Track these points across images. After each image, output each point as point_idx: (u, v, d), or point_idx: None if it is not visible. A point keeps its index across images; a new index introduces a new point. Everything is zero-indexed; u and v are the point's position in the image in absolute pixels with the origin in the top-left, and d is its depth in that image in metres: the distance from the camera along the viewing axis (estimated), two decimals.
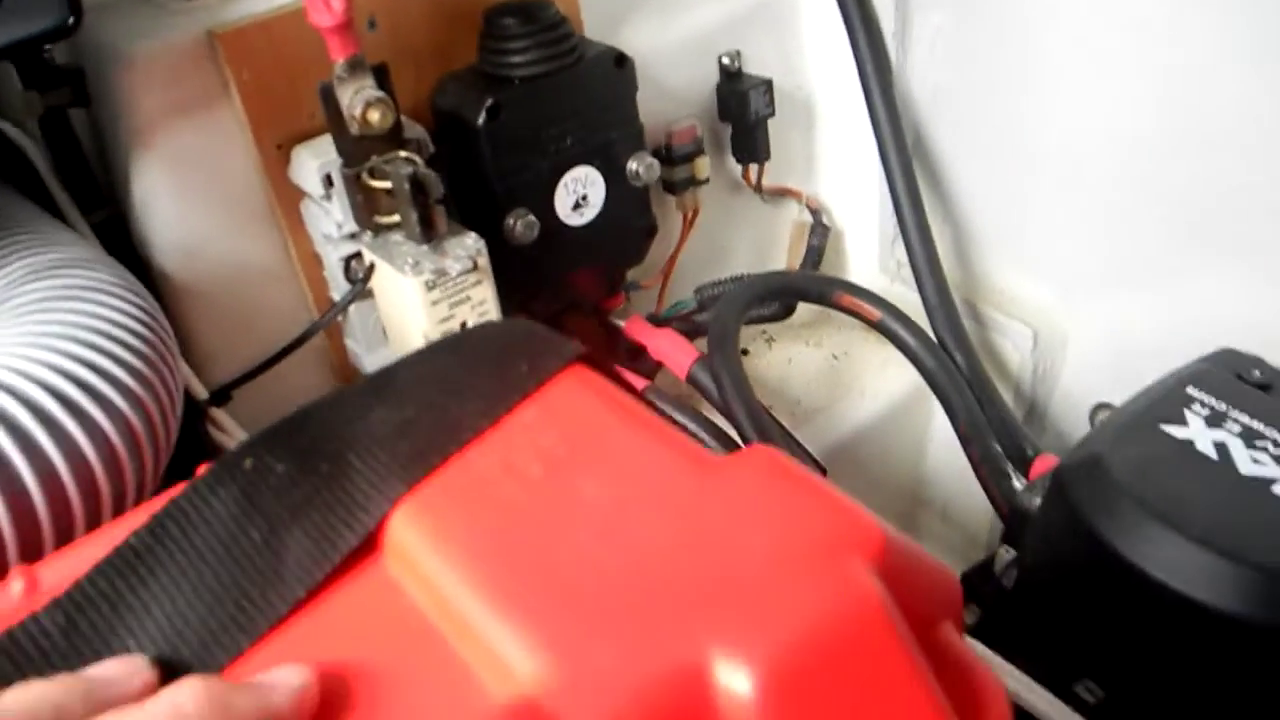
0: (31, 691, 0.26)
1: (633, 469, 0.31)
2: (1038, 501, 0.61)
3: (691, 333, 0.74)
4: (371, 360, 0.66)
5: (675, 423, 0.49)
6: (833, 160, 0.91)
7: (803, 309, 0.89)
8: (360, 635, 0.29)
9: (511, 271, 0.63)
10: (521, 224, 0.64)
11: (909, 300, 0.78)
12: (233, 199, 0.63)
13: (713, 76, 0.81)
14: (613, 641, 0.26)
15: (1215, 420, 0.59)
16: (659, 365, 0.72)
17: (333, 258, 0.63)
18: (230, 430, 0.59)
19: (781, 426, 0.71)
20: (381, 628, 0.29)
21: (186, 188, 0.61)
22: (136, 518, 0.32)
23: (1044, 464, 0.67)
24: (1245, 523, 0.52)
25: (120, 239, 0.62)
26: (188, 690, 0.26)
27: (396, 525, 0.31)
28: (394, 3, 0.63)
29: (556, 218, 0.67)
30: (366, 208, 0.59)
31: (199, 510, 0.32)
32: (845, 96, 0.82)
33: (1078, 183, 0.75)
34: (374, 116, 0.56)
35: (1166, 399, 0.61)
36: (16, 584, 0.32)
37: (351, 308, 0.63)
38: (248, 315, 0.65)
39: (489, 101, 0.62)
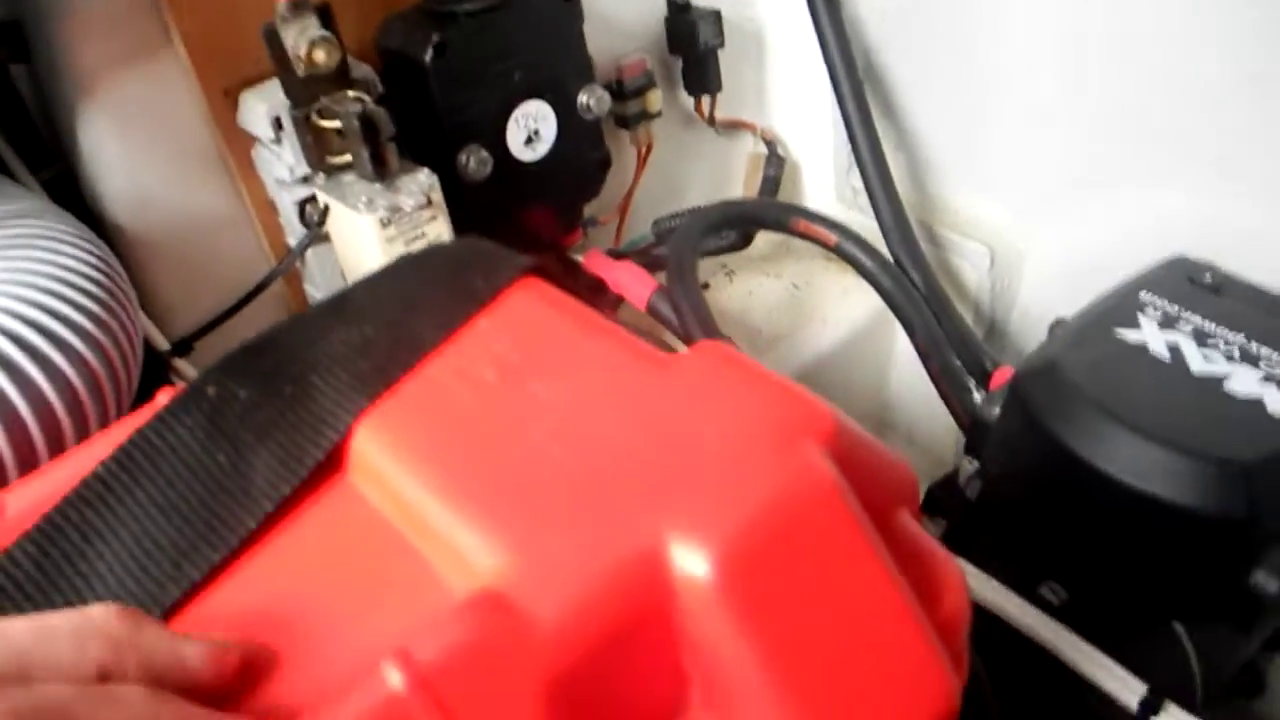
0: None
1: (585, 369, 0.32)
2: (997, 411, 0.62)
3: (651, 266, 0.75)
4: None
5: None
6: (785, 91, 0.91)
7: (762, 242, 0.90)
8: (327, 545, 0.30)
9: (467, 209, 0.63)
10: (474, 160, 0.64)
11: (867, 227, 0.78)
12: (182, 148, 0.62)
13: (660, 9, 0.81)
14: (569, 531, 0.26)
15: (1168, 323, 0.60)
16: (620, 300, 0.72)
17: (287, 203, 0.63)
18: None
19: None
20: (347, 537, 0.30)
21: (134, 139, 0.61)
22: (99, 444, 0.32)
23: (1002, 375, 0.68)
24: (1198, 419, 0.54)
25: (70, 196, 0.61)
26: (101, 608, 0.26)
27: (359, 440, 0.32)
28: None
29: (509, 153, 0.67)
30: (317, 149, 0.59)
31: (165, 439, 0.32)
32: (795, 26, 0.82)
33: (1029, 101, 0.75)
34: (319, 56, 0.55)
35: (1120, 304, 0.62)
36: None
37: (309, 253, 0.63)
38: (205, 265, 0.64)
39: (435, 39, 0.61)
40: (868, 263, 0.72)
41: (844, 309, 0.86)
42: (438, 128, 0.64)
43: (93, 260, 0.48)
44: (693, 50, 0.80)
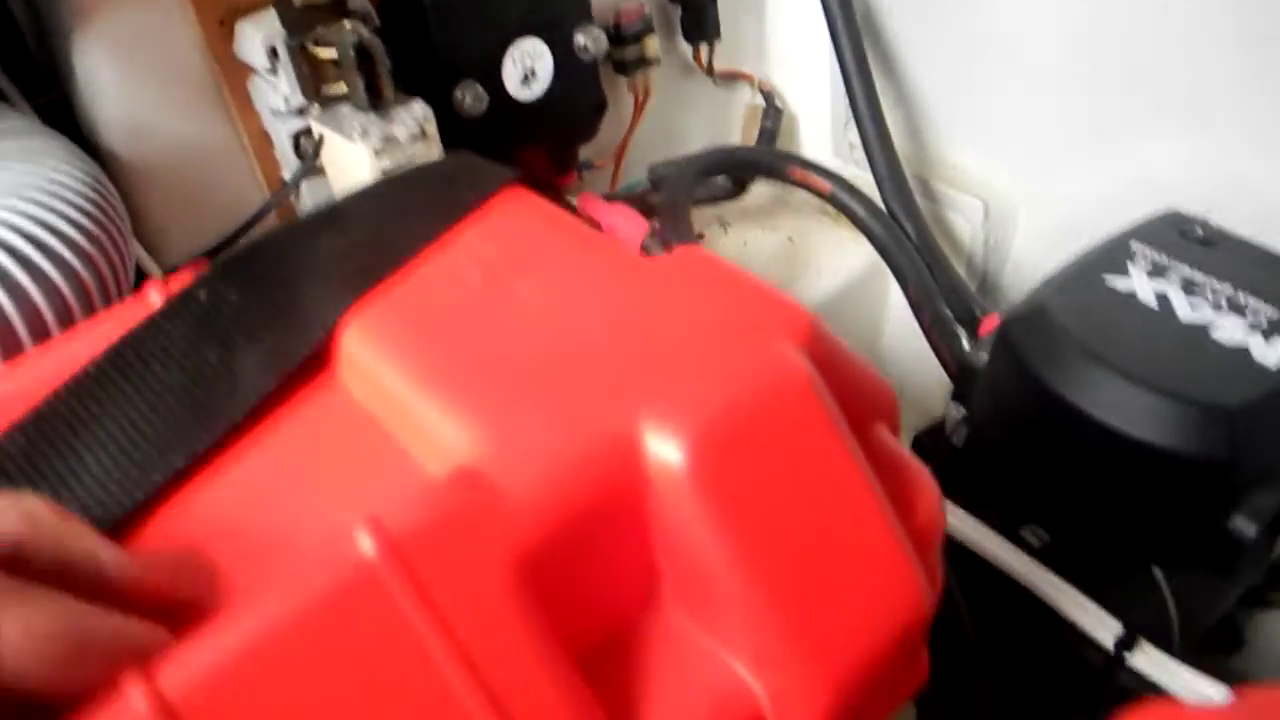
0: None
1: (567, 270, 0.32)
2: (985, 357, 0.62)
3: (646, 211, 0.75)
4: None
5: None
6: (784, 43, 0.90)
7: (758, 194, 0.90)
8: (311, 437, 0.30)
9: (462, 146, 0.63)
10: (470, 96, 0.64)
11: (863, 181, 0.78)
12: (178, 77, 0.62)
13: None
14: (545, 414, 0.27)
15: (1157, 272, 0.60)
16: None
17: (282, 134, 0.63)
18: None
19: None
20: (331, 429, 0.30)
21: (130, 68, 0.61)
22: (82, 336, 0.32)
23: (991, 323, 0.68)
24: (1183, 364, 0.54)
25: (65, 122, 0.61)
26: (33, 497, 0.26)
27: (346, 339, 0.32)
28: None
29: (505, 92, 0.67)
30: (313, 79, 0.59)
31: (155, 339, 0.32)
32: None
33: (1027, 57, 0.75)
34: None
35: (1110, 253, 0.62)
36: None
37: (304, 186, 0.63)
38: (199, 196, 0.65)
39: None
40: (861, 212, 0.72)
41: (839, 261, 0.86)
42: (434, 62, 0.64)
43: (84, 178, 0.48)
44: None
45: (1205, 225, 0.65)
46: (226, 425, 0.30)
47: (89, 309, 0.45)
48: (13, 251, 0.42)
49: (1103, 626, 0.51)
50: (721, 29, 0.83)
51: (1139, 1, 0.67)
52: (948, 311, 0.70)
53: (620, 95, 0.79)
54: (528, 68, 0.67)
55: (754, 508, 0.26)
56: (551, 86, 0.69)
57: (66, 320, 0.43)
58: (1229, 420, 0.51)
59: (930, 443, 0.68)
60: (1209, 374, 0.53)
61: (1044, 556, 0.55)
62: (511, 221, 0.35)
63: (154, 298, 0.33)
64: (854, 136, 0.82)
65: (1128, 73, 0.69)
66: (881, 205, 0.75)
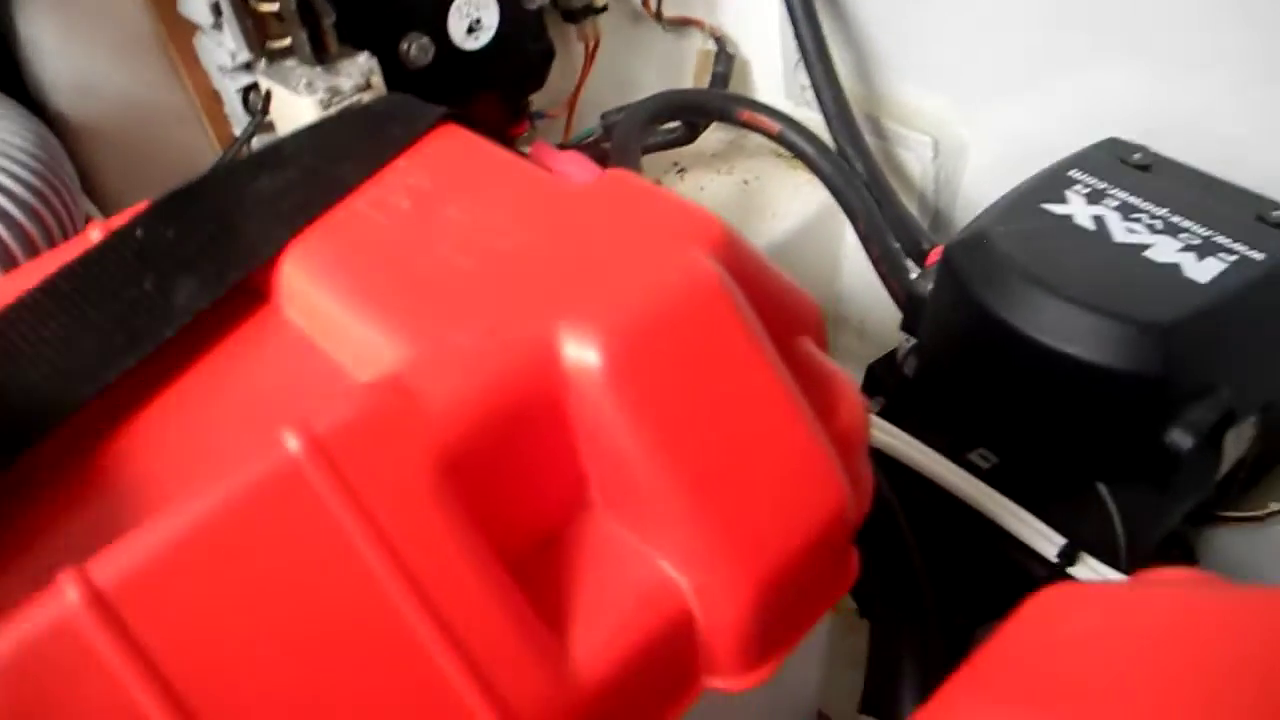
0: None
1: (495, 195, 0.33)
2: (931, 286, 0.64)
3: (599, 159, 0.76)
4: None
5: None
6: None
7: (714, 138, 0.91)
8: (246, 355, 0.31)
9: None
10: (416, 47, 0.65)
11: (815, 122, 0.79)
12: (123, 37, 0.62)
13: None
14: (469, 325, 0.28)
15: (1094, 198, 0.61)
16: None
17: (230, 90, 0.63)
18: None
19: None
20: (266, 349, 0.31)
21: (74, 28, 0.61)
22: (19, 275, 0.33)
23: (937, 253, 0.69)
24: (1119, 283, 0.55)
25: (12, 85, 0.61)
26: None
27: (283, 270, 0.33)
28: None
29: (451, 42, 0.67)
30: (257, 33, 0.59)
31: (92, 271, 0.33)
32: None
33: None
34: None
35: (1049, 182, 0.64)
36: None
37: (254, 141, 0.64)
38: (152, 154, 0.65)
39: None
40: (810, 150, 0.73)
41: (794, 203, 0.87)
42: (379, 14, 0.64)
43: (29, 135, 0.48)
44: None
45: (1145, 151, 0.67)
46: (158, 341, 0.31)
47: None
48: None
49: (1046, 540, 0.53)
50: None
51: None
52: (896, 245, 0.72)
53: (570, 44, 0.80)
54: (473, 17, 0.68)
55: (671, 407, 0.27)
56: (497, 35, 0.69)
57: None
58: (1162, 336, 0.52)
59: (884, 372, 0.69)
60: (1142, 292, 0.55)
61: (992, 477, 0.57)
62: (444, 155, 0.36)
63: (94, 236, 0.34)
64: (804, 78, 0.83)
65: (1066, 5, 0.70)
66: (831, 144, 0.75)
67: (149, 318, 0.31)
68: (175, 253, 0.33)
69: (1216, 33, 0.63)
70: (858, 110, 0.80)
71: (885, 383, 0.69)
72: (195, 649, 0.22)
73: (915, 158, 0.84)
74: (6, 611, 0.22)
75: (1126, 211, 0.60)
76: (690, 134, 0.81)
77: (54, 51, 0.60)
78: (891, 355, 0.70)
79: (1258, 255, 0.56)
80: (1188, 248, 0.57)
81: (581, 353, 0.27)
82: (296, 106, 0.58)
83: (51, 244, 0.46)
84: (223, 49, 0.61)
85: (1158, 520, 0.64)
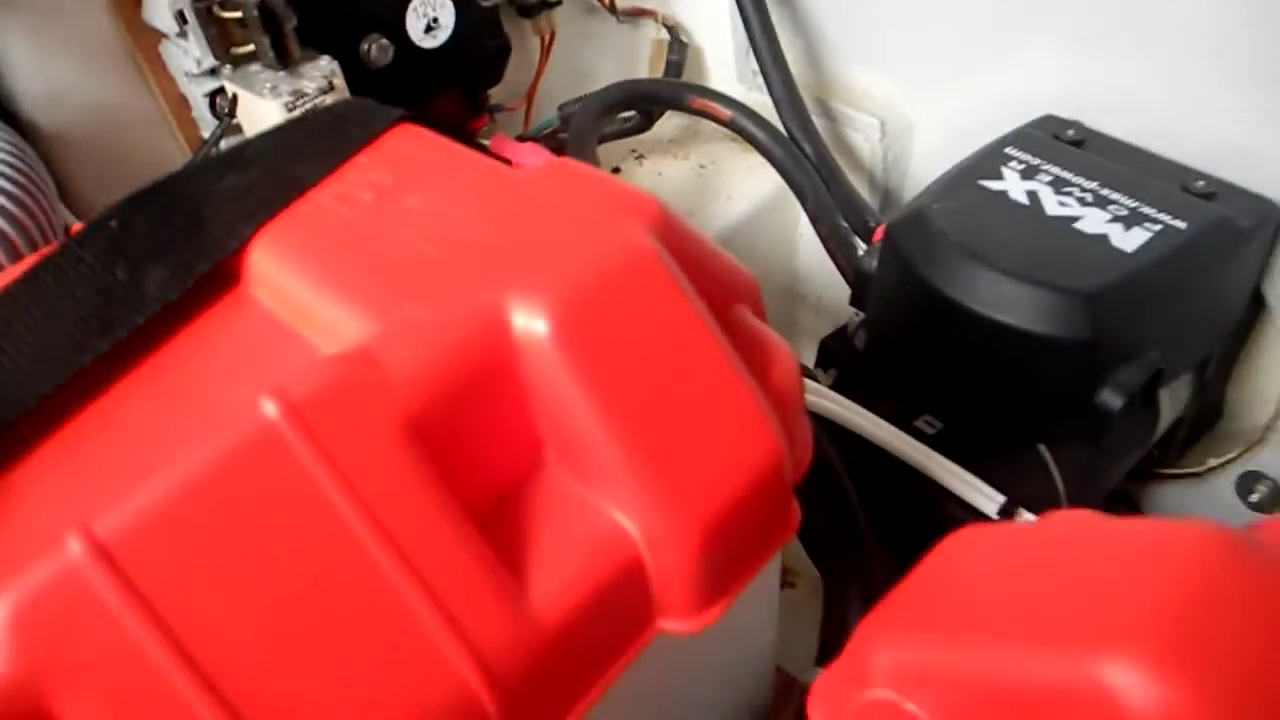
0: None
1: (451, 185, 0.36)
2: (876, 263, 0.67)
3: (557, 150, 0.78)
4: None
5: None
6: None
7: (670, 126, 0.93)
8: (217, 335, 0.34)
9: (372, 97, 0.66)
10: (376, 48, 0.67)
11: (766, 105, 0.82)
12: (91, 46, 0.64)
13: None
14: (426, 301, 0.31)
15: (1029, 174, 0.64)
16: None
17: (197, 96, 0.65)
18: None
19: None
20: (237, 330, 0.34)
21: (43, 39, 0.63)
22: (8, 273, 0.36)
23: (882, 231, 0.72)
24: (1050, 254, 0.59)
25: None
26: None
27: (252, 256, 0.36)
28: None
29: (410, 41, 0.70)
30: (222, 40, 0.61)
31: (68, 262, 0.35)
32: None
33: None
34: None
35: (987, 159, 0.67)
36: None
37: (223, 144, 0.66)
38: (123, 161, 0.67)
39: None
40: (760, 135, 0.76)
41: (748, 185, 0.90)
42: (338, 17, 0.66)
43: (6, 145, 0.51)
44: None
45: (1078, 127, 0.70)
46: (130, 326, 0.33)
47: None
48: None
49: (987, 499, 0.56)
50: None
51: None
52: (844, 223, 0.75)
53: (526, 38, 0.82)
54: (430, 17, 0.70)
55: (615, 369, 0.30)
56: (455, 33, 0.72)
57: None
58: (1089, 302, 0.56)
59: (836, 346, 0.72)
60: (1072, 262, 0.58)
61: (937, 442, 0.60)
62: (402, 152, 0.39)
63: None
64: (755, 64, 0.86)
65: None
66: (780, 128, 0.78)
67: (122, 305, 0.34)
68: (147, 243, 0.36)
69: (1144, 13, 0.66)
70: (808, 94, 0.83)
71: (838, 356, 0.72)
72: (190, 594, 0.25)
73: (864, 139, 0.87)
74: (9, 565, 0.24)
75: (1058, 186, 0.63)
76: (645, 122, 0.84)
77: (24, 62, 0.62)
78: (843, 330, 0.73)
79: (1181, 224, 0.59)
80: (1115, 219, 0.60)
81: (530, 322, 0.30)
82: (262, 109, 0.60)
83: (34, 250, 0.49)
84: (189, 55, 0.63)
85: (1097, 477, 0.68)
